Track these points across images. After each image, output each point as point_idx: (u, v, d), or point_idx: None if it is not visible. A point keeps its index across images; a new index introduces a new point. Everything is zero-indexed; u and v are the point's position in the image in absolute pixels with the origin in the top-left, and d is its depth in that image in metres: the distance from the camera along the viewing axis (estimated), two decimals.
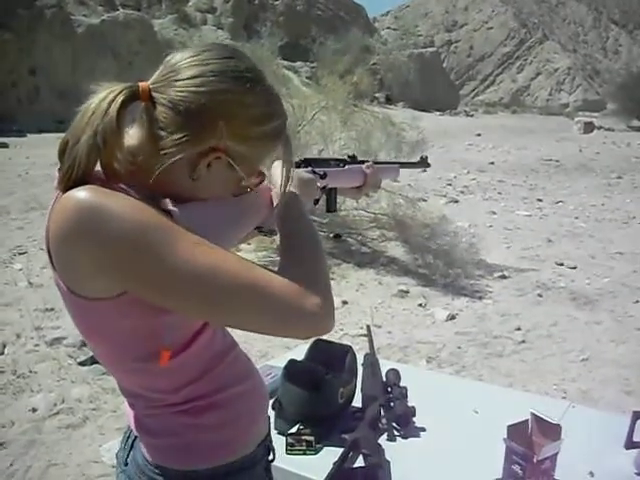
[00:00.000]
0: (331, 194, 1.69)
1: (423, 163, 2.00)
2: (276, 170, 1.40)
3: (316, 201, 1.60)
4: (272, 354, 4.61)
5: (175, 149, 1.12)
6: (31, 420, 3.93)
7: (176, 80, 1.13)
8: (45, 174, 12.25)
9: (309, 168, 1.56)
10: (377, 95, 14.17)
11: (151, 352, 1.16)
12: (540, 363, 5.09)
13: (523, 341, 5.51)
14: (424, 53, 47.66)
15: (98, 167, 1.11)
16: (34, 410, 4.03)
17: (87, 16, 23.21)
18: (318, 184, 1.57)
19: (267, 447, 1.45)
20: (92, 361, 4.61)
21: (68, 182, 1.07)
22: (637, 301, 6.56)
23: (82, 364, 4.62)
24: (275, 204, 1.38)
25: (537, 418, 1.83)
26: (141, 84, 1.14)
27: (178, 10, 30.79)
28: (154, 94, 1.14)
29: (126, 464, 1.33)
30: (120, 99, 1.10)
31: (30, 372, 4.50)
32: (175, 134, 1.12)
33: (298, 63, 30.97)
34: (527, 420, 1.85)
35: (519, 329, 5.77)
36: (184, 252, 1.05)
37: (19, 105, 20.98)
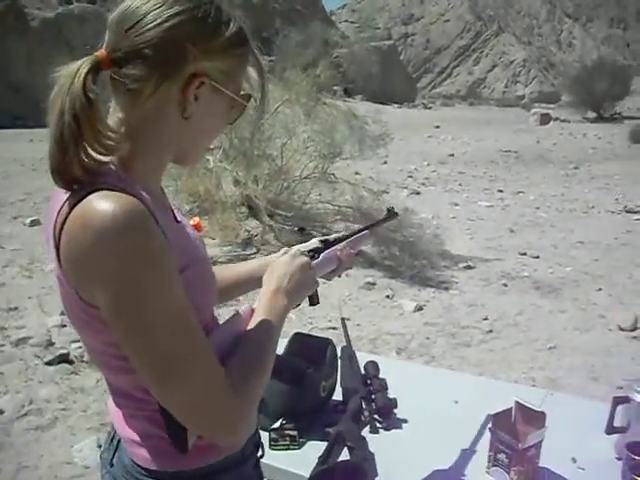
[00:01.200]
0: None
1: (392, 216, 1.99)
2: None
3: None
4: None
5: (158, 93, 1.11)
6: None
7: (127, 30, 1.10)
8: (2, 171, 12.02)
9: None
10: (335, 88, 14.16)
11: None
12: (508, 352, 5.15)
13: (490, 331, 5.57)
14: (381, 46, 47.76)
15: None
16: (1, 412, 3.95)
17: (41, 9, 22.80)
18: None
19: (256, 444, 1.44)
20: (59, 360, 4.54)
21: (70, 176, 1.06)
22: (599, 289, 6.68)
23: (49, 364, 4.54)
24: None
25: (521, 406, 1.84)
26: (98, 53, 1.11)
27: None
28: (114, 55, 1.10)
29: (112, 465, 1.31)
30: (84, 70, 1.07)
31: None
32: (151, 79, 1.10)
33: None
34: (511, 408, 1.87)
35: (486, 319, 5.83)
36: (158, 310, 1.04)
37: None
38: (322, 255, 1.63)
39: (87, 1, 25.02)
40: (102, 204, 1.01)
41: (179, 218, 1.31)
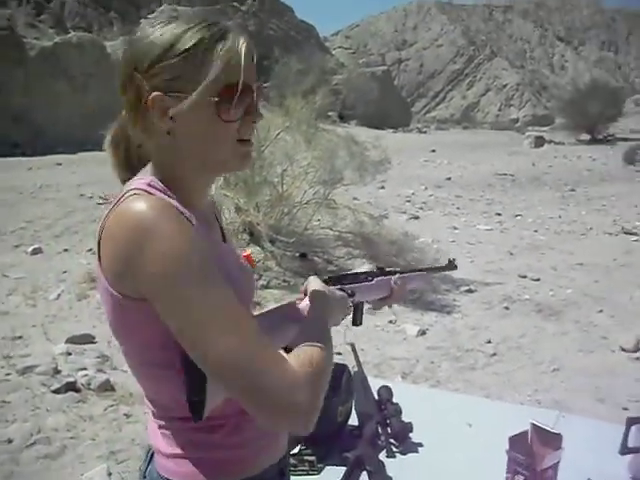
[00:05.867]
0: (358, 308, 1.69)
1: (451, 266, 2.02)
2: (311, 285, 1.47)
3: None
4: None
5: (143, 125, 1.21)
6: (7, 451, 3.84)
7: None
8: (1, 199, 12.02)
9: (338, 286, 1.55)
10: (330, 114, 14.26)
11: (172, 360, 1.15)
12: (513, 375, 5.18)
13: (494, 354, 5.60)
14: (376, 72, 48.03)
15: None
16: (10, 441, 3.94)
17: (39, 39, 22.93)
18: (349, 302, 1.58)
19: (281, 470, 1.42)
20: (66, 388, 4.54)
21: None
22: (600, 310, 6.71)
23: (56, 392, 4.53)
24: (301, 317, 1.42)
25: (537, 428, 1.88)
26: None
27: (130, 32, 30.61)
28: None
29: (144, 477, 1.34)
30: None
31: (3, 402, 4.40)
32: (134, 118, 1.22)
33: None
34: (527, 431, 1.89)
35: (489, 342, 5.86)
36: (208, 300, 1.09)
37: None
38: (376, 280, 1.68)
39: (84, 30, 25.23)
40: (136, 203, 1.10)
41: (227, 241, 1.38)
